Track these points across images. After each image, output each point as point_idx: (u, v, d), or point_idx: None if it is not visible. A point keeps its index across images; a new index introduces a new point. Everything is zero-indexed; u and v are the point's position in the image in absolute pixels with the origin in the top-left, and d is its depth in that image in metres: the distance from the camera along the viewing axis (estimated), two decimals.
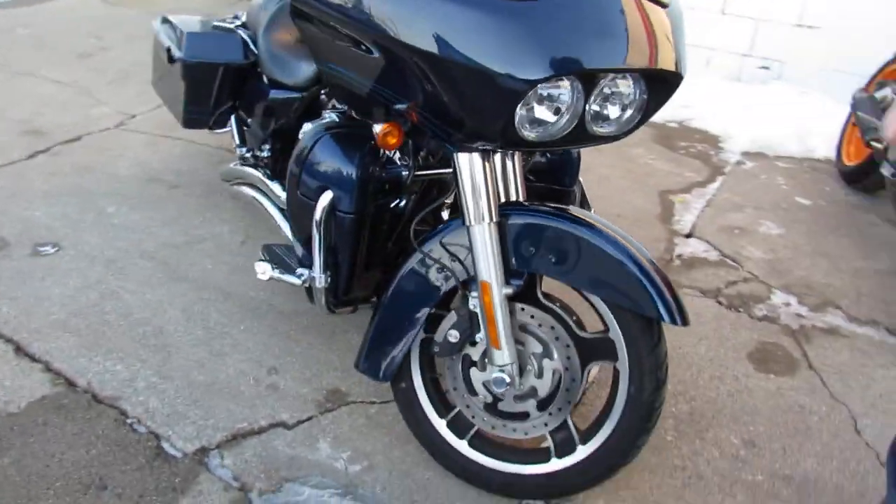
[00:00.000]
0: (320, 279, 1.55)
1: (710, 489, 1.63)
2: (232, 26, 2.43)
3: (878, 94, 2.94)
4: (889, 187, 2.59)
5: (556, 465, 1.50)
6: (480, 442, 1.58)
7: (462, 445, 1.57)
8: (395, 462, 1.65)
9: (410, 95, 1.30)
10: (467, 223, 1.38)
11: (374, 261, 1.64)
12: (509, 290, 1.40)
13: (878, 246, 2.70)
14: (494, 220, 1.37)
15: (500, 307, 1.39)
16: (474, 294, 1.42)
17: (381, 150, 1.53)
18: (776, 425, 1.81)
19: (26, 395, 1.75)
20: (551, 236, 1.38)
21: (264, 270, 1.61)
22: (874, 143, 2.76)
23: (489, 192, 1.37)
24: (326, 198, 1.49)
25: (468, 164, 1.37)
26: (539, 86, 1.15)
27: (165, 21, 2.52)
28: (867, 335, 2.18)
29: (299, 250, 1.76)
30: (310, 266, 1.58)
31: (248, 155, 2.25)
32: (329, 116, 1.77)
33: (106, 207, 2.59)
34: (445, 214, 1.89)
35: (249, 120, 2.33)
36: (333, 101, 1.95)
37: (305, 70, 2.00)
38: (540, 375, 1.46)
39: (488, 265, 1.37)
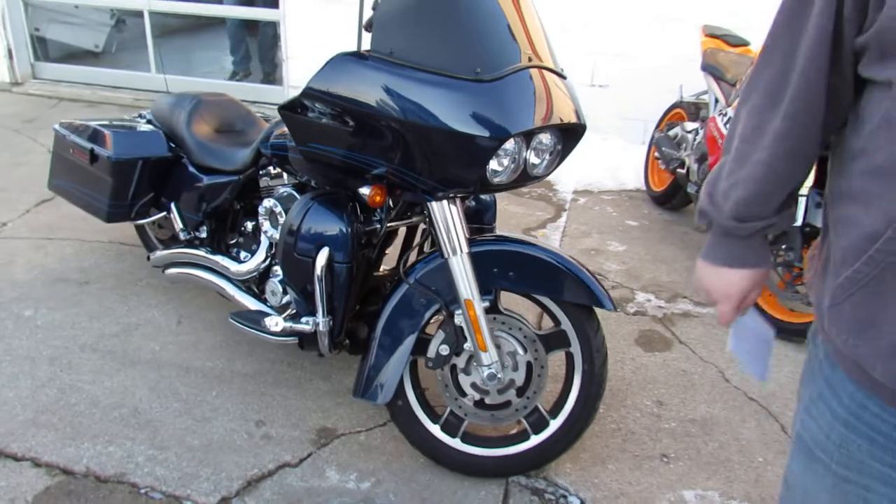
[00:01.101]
0: (323, 323, 1.82)
1: (642, 439, 2.09)
2: (143, 123, 2.62)
3: (671, 133, 3.76)
4: (695, 202, 3.33)
5: (535, 440, 1.88)
6: (470, 437, 1.91)
7: (456, 443, 1.89)
8: (397, 473, 1.92)
9: (397, 160, 1.65)
10: (446, 256, 1.75)
11: (353, 305, 1.94)
12: (486, 304, 1.78)
13: (696, 249, 3.43)
14: (466, 251, 1.75)
15: (482, 318, 1.75)
16: (458, 312, 1.78)
17: (358, 208, 1.86)
18: (672, 386, 2.34)
19: (27, 489, 1.78)
20: (507, 258, 1.79)
21: (276, 322, 1.83)
22: (678, 171, 3.54)
23: (458, 229, 1.75)
24: (324, 254, 1.78)
25: (441, 210, 1.74)
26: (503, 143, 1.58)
27: (67, 125, 2.63)
28: (711, 313, 2.82)
29: (275, 310, 2.01)
30: (310, 314, 1.84)
31: (186, 238, 2.42)
32: (286, 190, 2.06)
33: (22, 312, 2.57)
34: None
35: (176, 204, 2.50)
36: (268, 179, 2.24)
37: (242, 155, 2.26)
38: (516, 368, 1.84)
39: (468, 286, 1.74)
